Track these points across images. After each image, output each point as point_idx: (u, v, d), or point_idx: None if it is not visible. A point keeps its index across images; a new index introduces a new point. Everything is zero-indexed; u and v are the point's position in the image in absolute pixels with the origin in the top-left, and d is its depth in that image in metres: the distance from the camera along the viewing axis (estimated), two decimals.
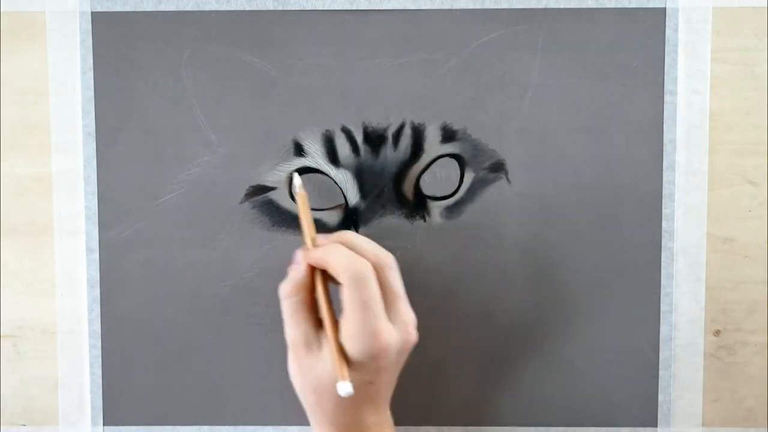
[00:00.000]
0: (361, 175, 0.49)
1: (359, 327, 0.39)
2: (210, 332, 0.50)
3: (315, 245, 0.42)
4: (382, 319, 0.39)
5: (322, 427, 0.42)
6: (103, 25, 0.49)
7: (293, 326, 0.41)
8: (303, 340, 0.41)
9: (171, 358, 0.50)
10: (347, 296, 0.39)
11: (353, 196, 0.49)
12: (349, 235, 0.42)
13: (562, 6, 0.48)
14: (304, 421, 0.50)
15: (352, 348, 0.39)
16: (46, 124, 0.49)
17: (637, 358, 0.50)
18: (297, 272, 0.42)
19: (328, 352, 0.40)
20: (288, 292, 0.41)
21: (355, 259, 0.40)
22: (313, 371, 0.40)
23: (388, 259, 0.41)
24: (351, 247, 0.41)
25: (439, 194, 0.49)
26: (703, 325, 0.50)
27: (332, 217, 0.49)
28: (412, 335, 0.41)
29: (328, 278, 0.42)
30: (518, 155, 0.49)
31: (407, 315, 0.41)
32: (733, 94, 0.49)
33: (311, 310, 0.41)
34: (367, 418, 0.41)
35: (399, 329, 0.40)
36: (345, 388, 0.38)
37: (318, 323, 0.41)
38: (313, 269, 0.42)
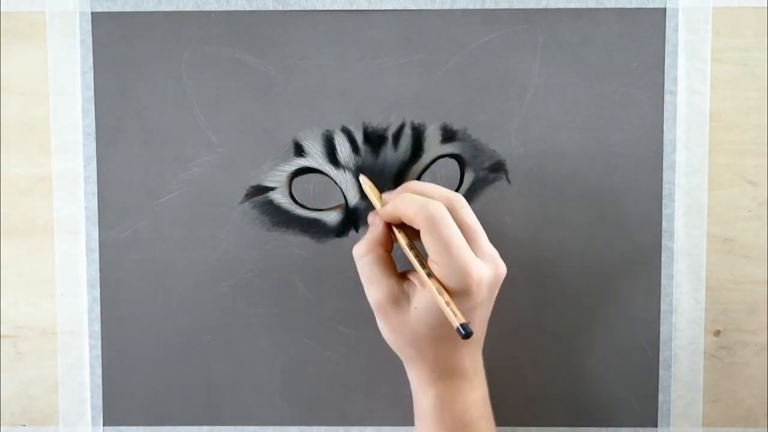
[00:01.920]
0: (361, 175, 0.49)
1: (449, 267, 0.38)
2: (210, 332, 0.50)
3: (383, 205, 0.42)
4: (470, 254, 0.38)
5: (422, 377, 0.41)
6: (103, 25, 0.49)
7: (375, 285, 0.40)
8: (389, 297, 0.40)
9: (171, 359, 0.50)
10: (429, 240, 0.38)
11: (353, 197, 0.49)
12: (414, 184, 0.41)
13: (562, 6, 0.48)
14: (303, 421, 0.50)
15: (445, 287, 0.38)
16: (46, 124, 0.49)
17: (637, 358, 0.50)
18: (370, 232, 0.41)
19: (418, 302, 0.39)
20: (362, 251, 0.40)
21: (427, 202, 0.38)
22: (407, 325, 0.40)
23: (459, 198, 0.40)
24: (420, 194, 0.40)
25: None
26: (704, 325, 0.50)
27: (332, 217, 0.49)
28: (501, 267, 0.40)
29: (409, 232, 0.41)
30: (518, 155, 0.49)
31: (491, 249, 0.40)
32: (733, 94, 0.49)
33: (390, 266, 0.40)
34: (465, 361, 0.41)
35: (487, 262, 0.39)
36: (467, 329, 0.36)
37: (400, 278, 0.40)
38: (389, 229, 0.41)
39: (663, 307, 0.49)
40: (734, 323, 0.50)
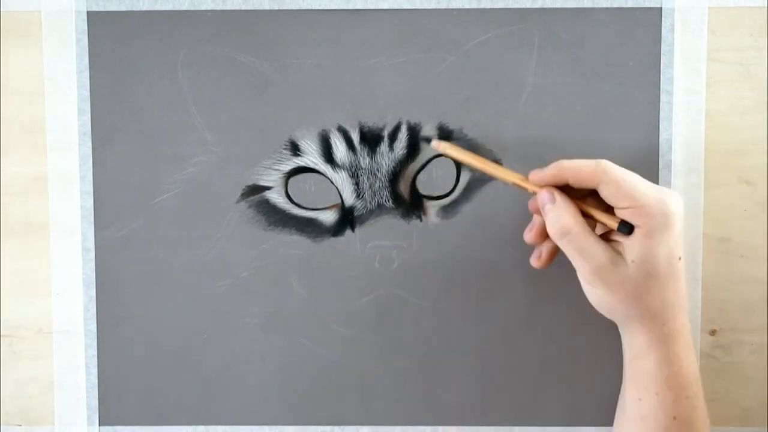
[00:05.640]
0: (357, 174, 0.49)
1: (644, 206, 0.39)
2: (206, 332, 0.50)
3: (527, 181, 0.43)
4: (656, 187, 0.41)
5: (650, 332, 0.41)
6: (99, 24, 0.49)
7: (591, 253, 0.40)
8: (607, 261, 0.40)
9: (167, 358, 0.50)
10: (612, 188, 0.40)
11: (349, 196, 0.49)
12: (562, 161, 0.42)
13: (558, 5, 0.48)
14: (299, 421, 0.50)
15: (652, 224, 0.40)
16: (41, 123, 0.49)
17: None
18: (557, 208, 0.41)
19: (632, 255, 0.40)
20: (565, 227, 0.41)
21: (595, 160, 0.41)
22: (629, 281, 0.40)
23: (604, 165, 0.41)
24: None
25: (435, 194, 0.49)
26: (700, 325, 0.50)
27: (328, 217, 0.49)
28: (679, 196, 0.41)
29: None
30: (514, 155, 0.49)
31: (657, 186, 0.42)
32: (729, 93, 0.49)
33: (593, 232, 0.41)
34: (685, 307, 0.42)
35: (670, 194, 0.41)
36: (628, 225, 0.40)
37: (605, 239, 0.41)
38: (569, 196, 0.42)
39: None
40: (730, 323, 0.50)
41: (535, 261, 0.45)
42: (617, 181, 0.40)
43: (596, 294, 0.42)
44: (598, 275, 0.41)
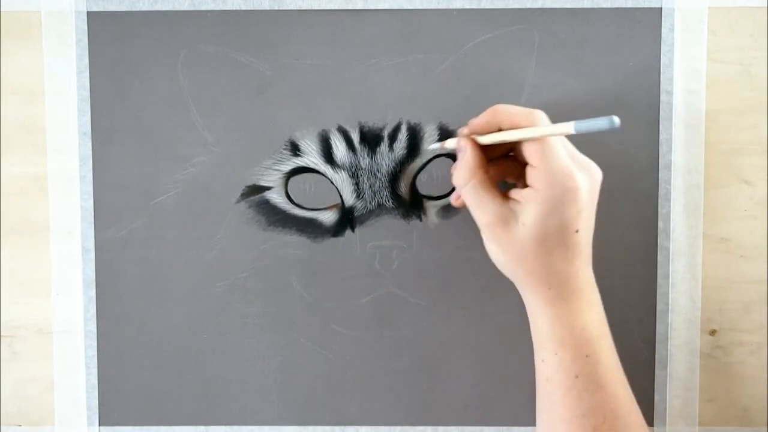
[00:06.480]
0: (357, 174, 0.49)
1: (552, 170, 0.39)
2: (206, 332, 0.50)
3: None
4: (570, 159, 0.40)
5: (538, 296, 0.42)
6: (99, 24, 0.49)
7: (482, 208, 0.41)
8: (497, 217, 0.41)
9: (167, 358, 0.50)
10: (532, 144, 0.40)
11: (349, 196, 0.49)
12: (499, 105, 0.42)
13: (558, 6, 0.48)
14: (299, 421, 0.50)
15: (548, 192, 0.39)
16: (41, 123, 0.49)
17: (633, 358, 0.50)
18: (464, 158, 0.42)
19: (525, 218, 0.40)
20: (463, 177, 0.42)
21: (528, 109, 0.41)
22: (517, 243, 0.41)
23: (542, 114, 0.42)
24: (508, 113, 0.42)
25: (435, 194, 0.49)
26: (699, 325, 0.50)
27: (328, 217, 0.49)
28: (598, 172, 0.42)
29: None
30: None
31: (582, 156, 0.42)
32: (729, 93, 0.49)
33: (493, 188, 0.42)
34: (578, 274, 0.42)
35: (582, 170, 0.41)
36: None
37: (505, 198, 0.42)
38: (480, 149, 0.42)
39: (659, 306, 0.49)
40: (730, 323, 0.50)
41: (454, 200, 0.45)
42: (537, 141, 0.40)
43: (491, 249, 0.43)
44: (489, 230, 0.41)
